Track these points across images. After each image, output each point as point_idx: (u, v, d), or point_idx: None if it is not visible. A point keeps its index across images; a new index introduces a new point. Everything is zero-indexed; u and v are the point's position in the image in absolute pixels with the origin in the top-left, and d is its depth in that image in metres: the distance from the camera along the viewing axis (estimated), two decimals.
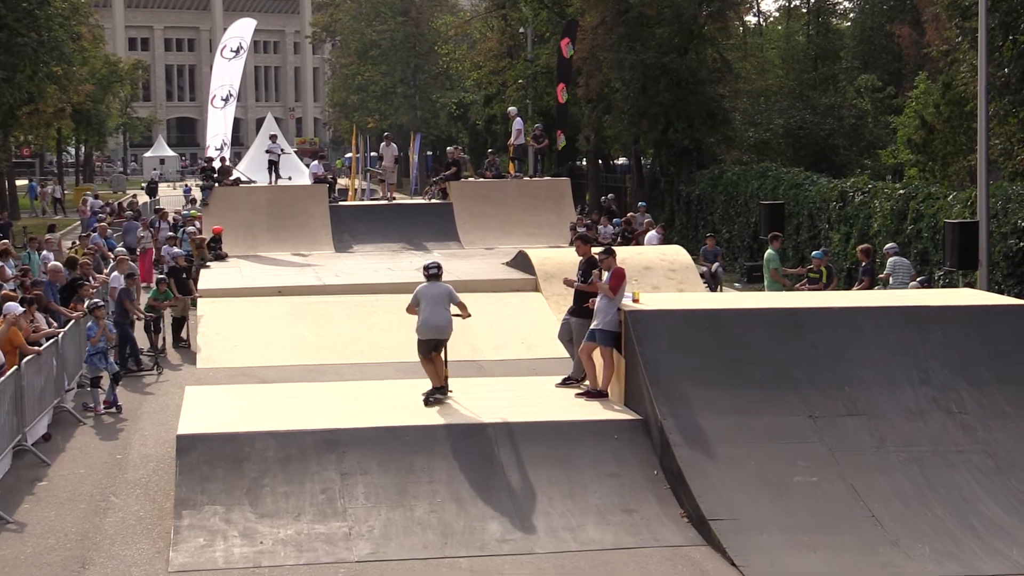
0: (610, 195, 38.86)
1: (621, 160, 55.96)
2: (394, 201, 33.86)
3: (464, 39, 66.06)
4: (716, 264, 25.19)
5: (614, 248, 14.82)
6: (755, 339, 13.00)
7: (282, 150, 36.09)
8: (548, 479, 11.73)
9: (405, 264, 25.54)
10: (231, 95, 40.44)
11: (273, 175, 33.53)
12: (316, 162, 34.38)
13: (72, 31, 45.94)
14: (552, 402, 13.60)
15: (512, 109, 35.56)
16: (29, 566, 10.48)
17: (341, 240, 29.82)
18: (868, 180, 27.75)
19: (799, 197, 29.11)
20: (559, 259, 22.59)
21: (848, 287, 22.96)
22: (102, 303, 17.19)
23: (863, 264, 20.42)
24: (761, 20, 62.38)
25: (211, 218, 29.60)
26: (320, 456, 11.85)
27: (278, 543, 10.72)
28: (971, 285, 19.22)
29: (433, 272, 13.90)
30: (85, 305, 17.28)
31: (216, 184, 31.07)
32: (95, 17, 58.31)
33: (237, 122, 62.58)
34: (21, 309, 14.63)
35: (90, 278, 20.02)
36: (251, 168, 50.84)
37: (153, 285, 21.88)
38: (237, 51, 41.92)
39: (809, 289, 19.56)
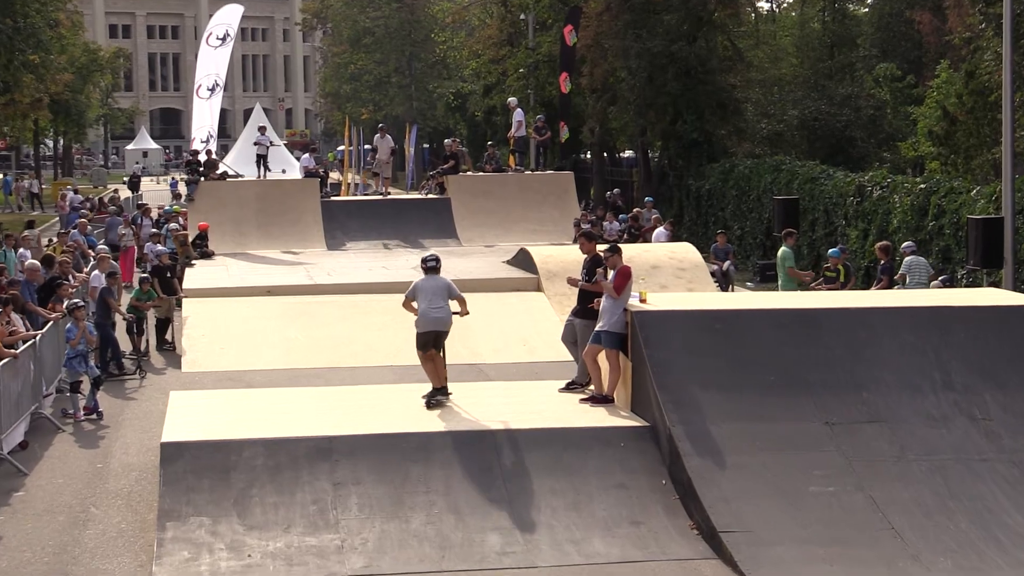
0: (616, 190, 38.77)
1: (627, 153, 55.99)
2: (389, 196, 33.84)
3: (462, 26, 66.03)
4: (727, 262, 25.17)
5: (620, 246, 14.81)
6: (768, 341, 12.99)
7: (271, 142, 36.08)
8: (551, 489, 11.72)
9: (400, 262, 25.54)
10: (217, 85, 40.51)
11: (262, 169, 33.53)
12: (307, 155, 34.37)
13: (50, 17, 45.89)
14: (555, 408, 13.59)
15: (512, 100, 35.53)
16: None
17: (333, 237, 29.82)
18: (887, 174, 27.77)
19: (814, 192, 29.11)
20: (562, 257, 22.60)
21: (866, 287, 22.96)
22: (82, 303, 17.19)
23: (882, 262, 20.42)
24: (774, 6, 62.42)
25: (197, 214, 29.60)
26: (311, 465, 11.84)
27: (267, 556, 10.71)
28: (995, 284, 19.23)
29: (431, 265, 13.95)
30: (64, 306, 17.27)
31: (202, 178, 31.07)
32: (74, 3, 58.14)
33: (224, 113, 62.55)
34: None
35: (69, 277, 20.02)
36: (238, 162, 50.70)
37: (135, 285, 21.87)
38: (224, 39, 41.98)
39: (826, 289, 19.56)
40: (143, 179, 65.26)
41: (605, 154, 48.76)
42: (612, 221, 30.39)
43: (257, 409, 13.67)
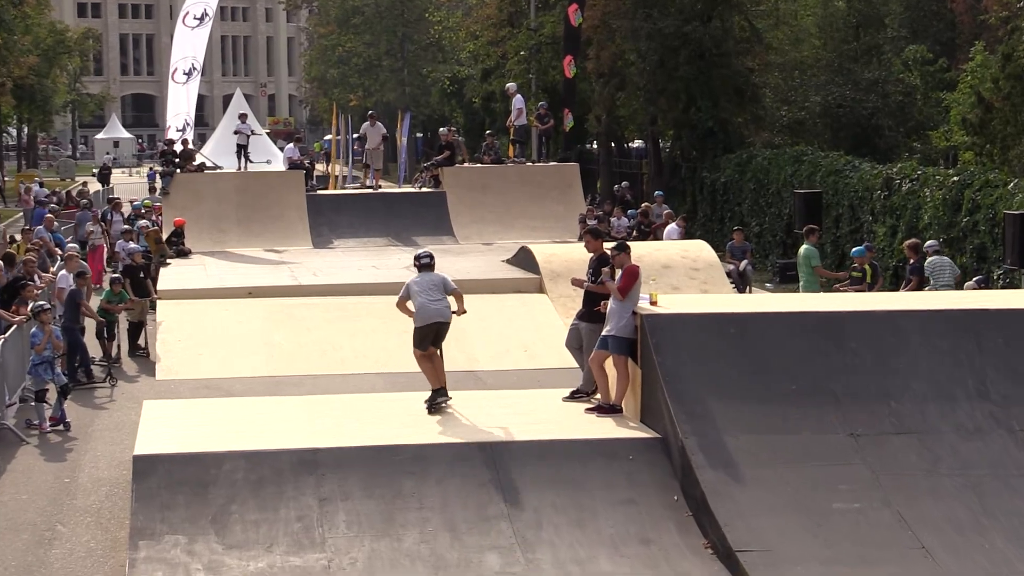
0: (624, 183, 38.85)
1: (636, 143, 56.00)
2: (380, 190, 33.88)
3: (459, 5, 66.16)
4: (744, 262, 25.22)
5: (628, 243, 14.83)
6: (789, 347, 13.00)
7: (252, 131, 36.10)
8: (554, 505, 11.74)
9: (392, 262, 25.57)
10: (194, 69, 40.46)
11: (242, 160, 33.56)
12: (291, 145, 34.38)
13: None
14: (559, 418, 13.62)
15: (512, 85, 35.58)
16: None
17: (320, 234, 29.86)
18: (917, 166, 27.79)
19: (838, 185, 29.14)
20: (566, 256, 22.62)
21: (894, 288, 22.98)
22: (48, 306, 17.21)
23: (911, 262, 20.41)
24: None
25: (172, 209, 29.62)
26: (296, 479, 11.86)
27: None
28: None
29: (425, 262, 14.22)
30: (29, 308, 17.29)
31: (178, 170, 31.08)
32: None
33: (201, 99, 62.75)
34: None
35: (35, 277, 20.03)
36: (217, 152, 50.73)
37: (106, 286, 21.89)
38: (201, 19, 41.93)
39: (851, 290, 19.58)
40: (114, 171, 65.36)
41: (612, 144, 48.78)
42: (620, 217, 30.43)
43: (237, 419, 13.69)
